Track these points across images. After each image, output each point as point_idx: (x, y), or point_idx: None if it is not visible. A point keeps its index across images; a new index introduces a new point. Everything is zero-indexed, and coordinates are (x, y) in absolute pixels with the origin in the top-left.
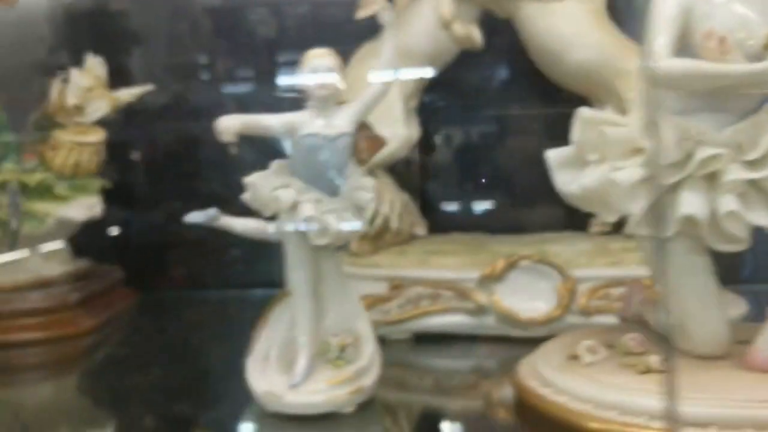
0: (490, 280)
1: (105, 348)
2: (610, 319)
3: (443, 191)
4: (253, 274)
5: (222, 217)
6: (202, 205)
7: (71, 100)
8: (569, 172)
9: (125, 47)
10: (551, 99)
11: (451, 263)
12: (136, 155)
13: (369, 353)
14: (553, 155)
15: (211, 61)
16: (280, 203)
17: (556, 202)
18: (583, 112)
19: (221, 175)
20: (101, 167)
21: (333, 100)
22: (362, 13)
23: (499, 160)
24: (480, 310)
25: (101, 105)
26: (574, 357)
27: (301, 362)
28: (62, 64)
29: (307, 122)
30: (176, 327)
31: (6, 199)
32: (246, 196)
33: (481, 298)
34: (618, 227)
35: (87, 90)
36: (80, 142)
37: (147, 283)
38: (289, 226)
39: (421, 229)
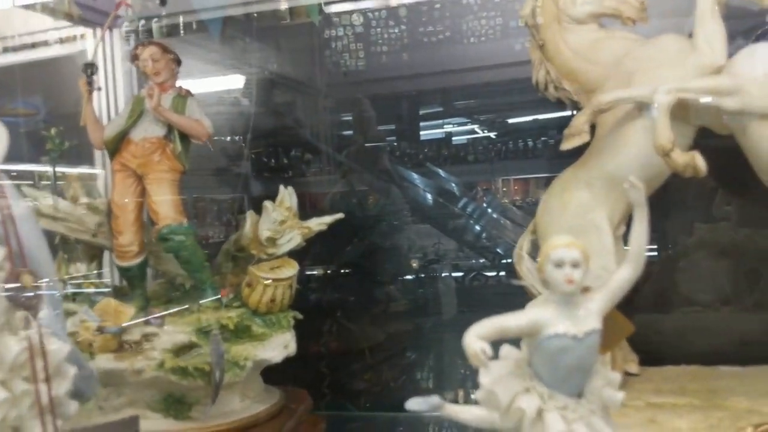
0: None
1: None
2: None
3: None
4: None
5: (446, 405)
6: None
7: (265, 233)
8: None
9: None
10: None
11: (685, 426)
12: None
13: None
14: None
15: None
16: (523, 415)
17: None
18: None
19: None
20: (293, 300)
21: (578, 292)
22: (568, 145)
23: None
24: None
25: (294, 236)
26: None
27: None
28: None
29: (551, 321)
30: None
31: (209, 346)
32: (480, 397)
33: None
34: None
35: (280, 222)
36: (276, 279)
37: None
38: None
39: (634, 367)
